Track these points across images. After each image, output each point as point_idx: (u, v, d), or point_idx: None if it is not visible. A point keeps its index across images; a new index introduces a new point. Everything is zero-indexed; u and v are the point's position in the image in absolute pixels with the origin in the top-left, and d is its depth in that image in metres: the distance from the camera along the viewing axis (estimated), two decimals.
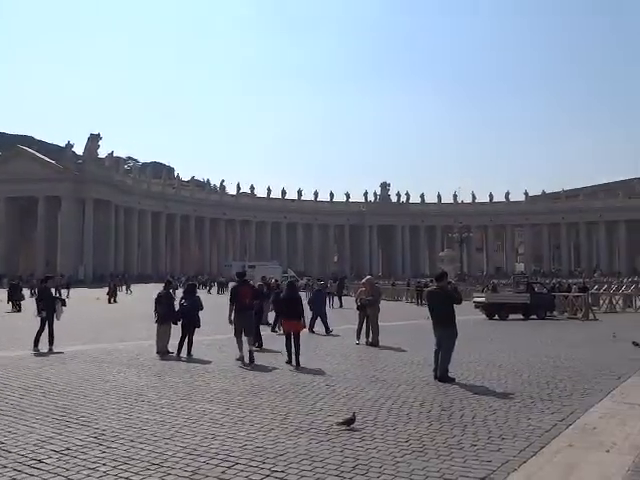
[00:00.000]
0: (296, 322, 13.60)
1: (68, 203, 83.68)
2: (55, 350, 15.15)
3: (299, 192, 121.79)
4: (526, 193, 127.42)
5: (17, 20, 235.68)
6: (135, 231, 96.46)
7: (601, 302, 34.40)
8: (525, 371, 12.21)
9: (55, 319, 15.80)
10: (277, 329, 19.21)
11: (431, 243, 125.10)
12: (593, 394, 9.81)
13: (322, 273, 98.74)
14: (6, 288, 38.32)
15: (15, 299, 33.05)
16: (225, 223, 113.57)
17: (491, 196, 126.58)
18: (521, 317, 28.28)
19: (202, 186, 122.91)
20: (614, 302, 34.33)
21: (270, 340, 17.46)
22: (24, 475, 5.91)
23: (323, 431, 7.46)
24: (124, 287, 56.86)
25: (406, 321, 26.16)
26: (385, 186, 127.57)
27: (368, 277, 19.86)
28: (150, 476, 5.87)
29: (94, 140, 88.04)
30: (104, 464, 6.19)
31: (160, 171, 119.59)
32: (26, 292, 38.76)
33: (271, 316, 20.33)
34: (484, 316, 28.62)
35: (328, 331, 19.99)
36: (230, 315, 13.98)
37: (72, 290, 48.81)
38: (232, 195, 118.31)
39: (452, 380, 10.97)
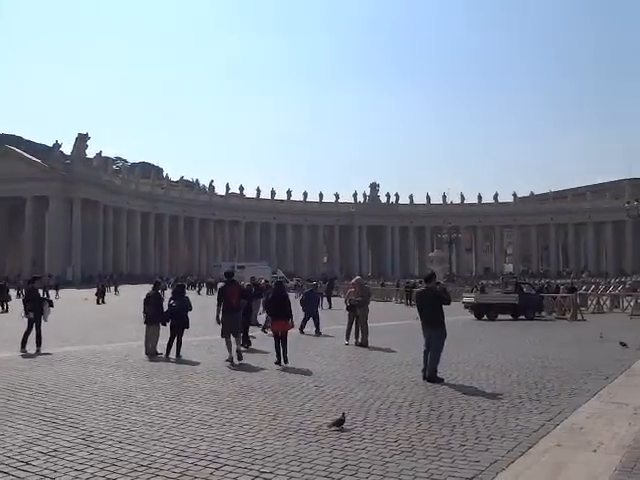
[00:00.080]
0: (284, 322, 13.64)
1: (56, 203, 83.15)
2: (43, 351, 15.06)
3: (288, 193, 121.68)
4: (515, 194, 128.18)
5: None
6: (124, 231, 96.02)
7: (589, 302, 34.62)
8: (514, 371, 12.27)
9: (42, 320, 15.69)
10: (265, 330, 19.21)
11: (420, 244, 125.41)
12: (581, 394, 9.88)
13: (312, 274, 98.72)
14: None
15: (2, 300, 32.83)
16: (214, 223, 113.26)
17: (480, 197, 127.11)
18: (510, 317, 28.43)
19: (191, 186, 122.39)
20: (602, 302, 34.56)
21: (259, 341, 17.46)
22: (11, 477, 5.86)
23: (312, 432, 7.45)
24: (112, 288, 56.57)
25: (395, 322, 26.21)
26: (374, 187, 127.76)
27: (357, 278, 19.89)
28: (138, 477, 5.84)
29: (82, 140, 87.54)
30: (92, 465, 6.15)
31: (149, 171, 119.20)
32: (13, 293, 38.49)
33: (263, 317, 20.30)
34: (473, 316, 28.74)
35: (318, 332, 19.98)
36: (218, 315, 14.02)
37: (60, 291, 48.57)
38: (221, 195, 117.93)
39: (441, 380, 11.00)
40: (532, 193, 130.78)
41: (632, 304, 32.11)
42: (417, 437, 7.23)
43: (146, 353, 14.52)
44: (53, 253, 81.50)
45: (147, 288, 16.67)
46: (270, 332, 15.68)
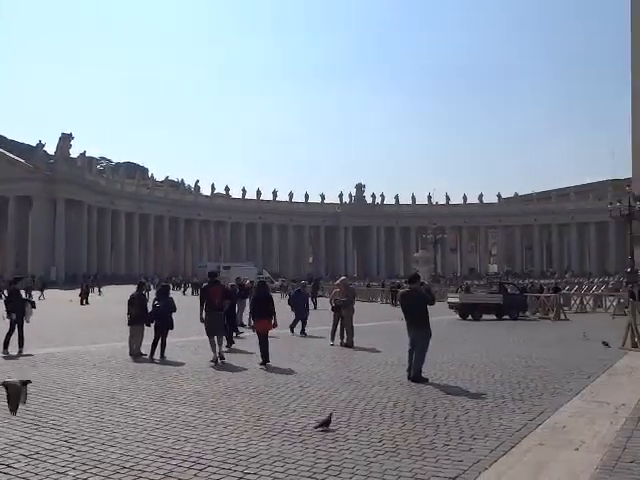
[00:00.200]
0: (267, 321, 13.68)
1: (39, 203, 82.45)
2: (25, 353, 14.92)
3: (274, 193, 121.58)
4: (499, 195, 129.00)
5: None
6: (108, 232, 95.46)
7: (572, 302, 34.91)
8: (497, 371, 12.35)
9: (24, 321, 15.55)
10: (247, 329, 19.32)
11: (406, 244, 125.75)
12: (563, 393, 9.97)
13: (297, 274, 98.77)
14: None
15: None
16: (200, 224, 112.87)
17: (465, 198, 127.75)
18: (494, 317, 28.60)
19: (176, 186, 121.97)
20: (585, 302, 34.86)
21: (245, 341, 17.44)
22: None
23: (296, 432, 7.45)
24: (96, 288, 56.17)
25: (381, 322, 26.27)
26: (360, 187, 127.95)
27: (343, 278, 19.90)
28: (121, 479, 5.81)
29: (66, 140, 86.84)
30: (74, 468, 6.11)
31: (134, 171, 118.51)
32: None
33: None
34: (458, 316, 28.87)
35: (303, 332, 19.98)
36: (201, 314, 14.12)
37: (44, 292, 48.14)
38: (207, 196, 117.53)
39: (425, 380, 11.05)
40: (516, 194, 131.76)
41: (614, 304, 32.42)
42: (401, 437, 7.26)
43: (130, 354, 14.43)
44: (36, 253, 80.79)
45: (131, 289, 16.57)
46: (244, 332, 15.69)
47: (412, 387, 10.63)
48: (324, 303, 29.82)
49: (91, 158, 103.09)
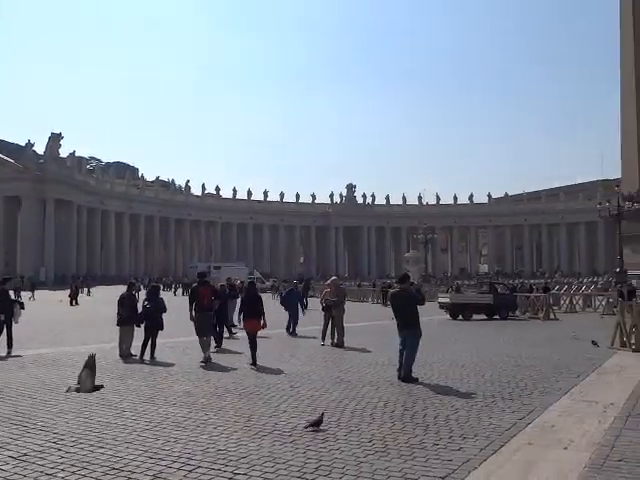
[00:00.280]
0: (256, 321, 13.71)
1: (28, 203, 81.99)
2: (14, 354, 14.83)
3: (265, 193, 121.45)
4: (489, 195, 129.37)
5: None
6: (98, 232, 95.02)
7: (561, 302, 35.07)
8: (487, 371, 12.39)
9: (13, 322, 15.45)
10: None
11: (396, 244, 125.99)
12: (552, 392, 10.02)
13: (288, 274, 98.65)
14: None
15: None
16: (190, 224, 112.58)
17: (455, 198, 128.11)
18: (484, 317, 28.69)
19: (167, 186, 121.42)
20: (574, 302, 35.03)
21: (233, 341, 17.41)
22: None
23: (287, 433, 7.45)
24: (85, 289, 55.87)
25: (371, 322, 26.29)
26: (351, 188, 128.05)
27: (333, 278, 19.91)
28: None
29: (55, 139, 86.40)
30: (63, 469, 6.07)
31: (124, 171, 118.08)
32: None
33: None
34: (448, 316, 28.95)
35: (294, 332, 19.96)
36: (191, 313, 14.22)
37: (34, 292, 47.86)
38: (197, 196, 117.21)
39: (416, 380, 11.07)
40: (506, 194, 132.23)
41: (604, 303, 32.64)
42: (391, 437, 7.27)
43: (120, 355, 14.37)
44: (26, 254, 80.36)
45: (121, 289, 16.51)
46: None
47: (402, 387, 10.65)
48: (315, 303, 29.78)
49: (81, 158, 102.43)
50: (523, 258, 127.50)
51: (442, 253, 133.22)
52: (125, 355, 14.33)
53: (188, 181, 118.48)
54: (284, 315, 20.74)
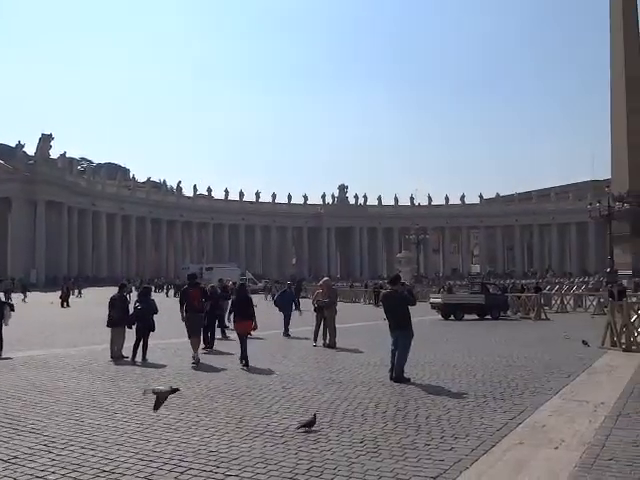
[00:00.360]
0: (247, 323, 13.78)
1: (19, 204, 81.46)
2: (4, 356, 14.75)
3: (257, 194, 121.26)
4: (481, 196, 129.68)
5: None
6: (89, 233, 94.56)
7: (553, 302, 35.23)
8: (479, 371, 12.43)
9: (3, 324, 15.37)
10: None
11: (388, 245, 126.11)
12: (544, 392, 10.06)
13: (281, 275, 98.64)
14: None
15: None
16: (182, 225, 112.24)
17: (447, 198, 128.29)
18: (476, 317, 28.79)
19: (158, 187, 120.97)
20: (565, 302, 35.20)
21: (224, 343, 17.38)
22: None
23: (279, 434, 7.45)
24: (76, 291, 55.57)
25: (363, 322, 26.31)
26: (343, 188, 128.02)
27: (325, 279, 19.91)
28: None
29: (46, 140, 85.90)
30: (53, 472, 6.05)
31: (115, 172, 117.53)
32: None
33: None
34: (440, 316, 29.02)
35: (286, 333, 19.95)
36: (182, 315, 14.33)
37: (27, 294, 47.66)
38: (189, 197, 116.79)
39: (408, 380, 11.10)
40: (498, 195, 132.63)
41: (594, 303, 32.83)
42: (383, 437, 7.28)
43: (111, 356, 14.34)
44: (16, 256, 79.85)
45: (113, 291, 16.47)
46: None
47: (394, 387, 10.67)
48: (307, 304, 29.80)
49: (71, 159, 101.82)
50: (514, 258, 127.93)
51: (434, 253, 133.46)
52: (116, 357, 14.29)
53: (180, 182, 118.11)
54: (277, 316, 20.73)
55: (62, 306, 39.36)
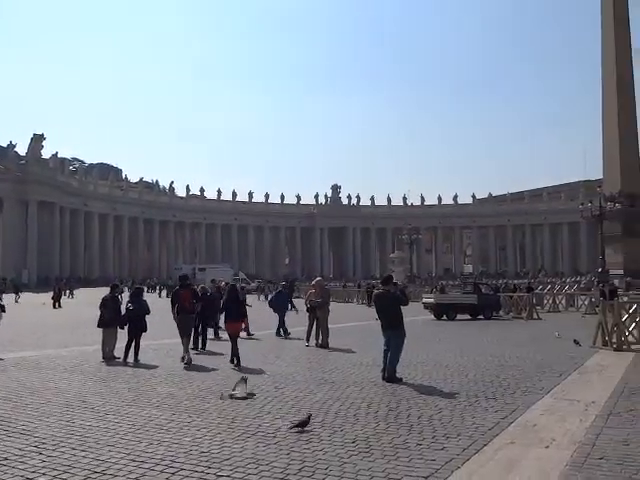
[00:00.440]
0: (237, 323, 13.86)
1: (10, 205, 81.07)
2: None
3: (250, 194, 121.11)
4: (473, 196, 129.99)
5: None
6: (81, 234, 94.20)
7: (545, 302, 35.37)
8: (471, 370, 12.47)
9: None
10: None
11: (381, 245, 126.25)
12: (535, 392, 10.10)
13: (274, 275, 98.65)
14: None
15: None
16: (174, 225, 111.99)
17: (440, 199, 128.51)
18: (468, 317, 28.86)
19: (151, 188, 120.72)
20: (557, 302, 35.35)
21: (216, 343, 17.36)
22: None
23: (270, 434, 7.44)
24: (67, 291, 55.31)
25: (356, 322, 26.32)
26: (336, 188, 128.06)
27: (318, 279, 19.92)
28: None
29: (37, 140, 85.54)
30: (44, 474, 6.02)
31: (107, 172, 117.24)
32: None
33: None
34: (432, 316, 29.07)
35: (278, 333, 19.93)
36: (174, 315, 14.42)
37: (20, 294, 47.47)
38: (181, 197, 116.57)
39: (400, 380, 11.11)
40: (490, 195, 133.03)
41: (586, 303, 32.97)
42: (375, 437, 7.29)
43: (103, 357, 14.28)
44: (8, 256, 79.43)
45: (105, 291, 16.41)
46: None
47: (386, 387, 10.68)
48: (299, 304, 29.80)
49: (63, 159, 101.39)
50: (507, 258, 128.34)
51: (427, 253, 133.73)
52: (108, 357, 14.24)
53: (172, 182, 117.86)
54: (271, 317, 20.71)
55: (54, 307, 39.20)
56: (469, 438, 7.19)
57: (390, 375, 11.24)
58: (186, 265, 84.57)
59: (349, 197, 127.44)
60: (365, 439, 7.19)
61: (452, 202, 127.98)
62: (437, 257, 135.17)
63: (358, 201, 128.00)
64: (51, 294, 41.63)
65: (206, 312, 16.92)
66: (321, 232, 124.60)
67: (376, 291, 13.57)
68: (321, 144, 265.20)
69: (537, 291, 38.18)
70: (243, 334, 19.05)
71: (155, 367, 13.22)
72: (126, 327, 14.54)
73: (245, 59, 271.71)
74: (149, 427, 7.85)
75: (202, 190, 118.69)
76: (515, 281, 55.39)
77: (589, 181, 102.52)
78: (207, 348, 16.53)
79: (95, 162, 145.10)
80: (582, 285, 48.66)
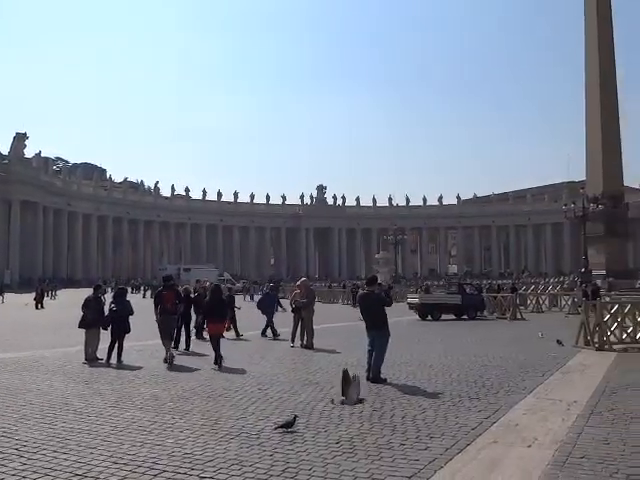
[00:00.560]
0: (219, 324, 13.82)
1: None
2: None
3: (235, 194, 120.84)
4: (458, 197, 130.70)
5: None
6: (65, 234, 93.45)
7: (528, 302, 35.63)
8: (455, 370, 12.53)
9: None
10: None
11: (367, 245, 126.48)
12: (518, 391, 10.17)
13: (259, 275, 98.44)
14: None
15: None
16: (159, 225, 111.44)
17: (425, 199, 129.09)
18: (453, 317, 28.99)
19: (135, 188, 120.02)
20: (540, 302, 35.62)
21: (201, 344, 17.28)
22: None
23: (254, 435, 7.42)
24: (50, 292, 54.84)
25: (341, 323, 26.34)
26: (321, 189, 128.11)
27: (303, 279, 19.90)
28: None
29: (20, 140, 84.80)
30: (24, 477, 5.96)
31: (91, 172, 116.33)
32: None
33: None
34: (417, 317, 29.17)
35: (264, 334, 19.89)
36: (156, 317, 14.40)
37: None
38: (166, 197, 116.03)
39: (384, 381, 11.13)
40: (475, 195, 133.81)
41: (569, 303, 33.27)
42: (359, 438, 7.30)
43: (86, 359, 14.16)
44: None
45: (88, 292, 16.27)
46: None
47: (371, 388, 10.69)
48: (284, 305, 29.80)
49: (47, 158, 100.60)
50: (491, 259, 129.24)
51: (412, 254, 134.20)
52: (91, 359, 14.13)
53: (157, 182, 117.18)
54: (258, 317, 20.64)
55: (36, 308, 38.86)
56: (452, 438, 7.22)
57: (375, 375, 11.27)
58: (171, 265, 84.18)
59: (334, 197, 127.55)
60: (349, 439, 7.20)
61: (437, 203, 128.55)
62: (422, 257, 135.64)
63: (343, 201, 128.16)
64: (34, 295, 41.25)
65: (188, 311, 16.88)
66: (306, 232, 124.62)
67: (361, 292, 13.60)
68: (306, 144, 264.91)
69: (521, 291, 38.45)
70: (232, 335, 19.05)
71: (139, 368, 13.14)
72: (109, 328, 14.42)
73: (230, 59, 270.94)
74: (132, 429, 7.80)
75: (187, 190, 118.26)
76: (499, 281, 55.76)
77: (572, 182, 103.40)
78: (191, 349, 16.46)
79: (79, 162, 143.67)
80: (565, 285, 49.10)
